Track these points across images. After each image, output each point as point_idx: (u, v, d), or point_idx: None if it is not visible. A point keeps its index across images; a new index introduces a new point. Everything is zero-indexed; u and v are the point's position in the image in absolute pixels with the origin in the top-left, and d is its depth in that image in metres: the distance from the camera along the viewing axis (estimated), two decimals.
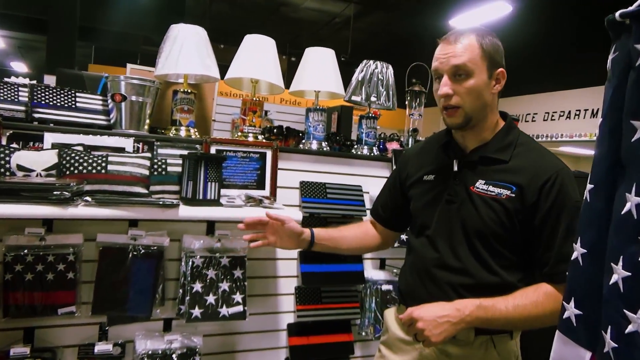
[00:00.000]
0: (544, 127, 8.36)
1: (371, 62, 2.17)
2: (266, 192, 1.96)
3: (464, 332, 1.22)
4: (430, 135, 1.59)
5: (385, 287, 2.16)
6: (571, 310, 0.79)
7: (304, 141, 2.16)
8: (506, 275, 1.24)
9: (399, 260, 2.32)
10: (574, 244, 0.77)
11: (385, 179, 2.21)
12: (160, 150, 1.80)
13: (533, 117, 8.54)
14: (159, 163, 1.73)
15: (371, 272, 2.21)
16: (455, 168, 1.32)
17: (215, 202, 1.69)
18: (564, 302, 0.81)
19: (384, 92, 2.16)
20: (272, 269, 2.05)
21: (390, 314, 1.52)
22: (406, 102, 2.36)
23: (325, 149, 2.13)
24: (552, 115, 8.38)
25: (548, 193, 1.20)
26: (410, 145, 2.37)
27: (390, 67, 2.20)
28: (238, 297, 1.81)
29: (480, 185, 1.26)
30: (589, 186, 0.80)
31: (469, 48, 1.22)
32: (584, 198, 0.80)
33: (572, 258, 0.77)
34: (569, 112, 8.23)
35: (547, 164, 1.24)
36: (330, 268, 2.12)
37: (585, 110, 7.93)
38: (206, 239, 1.81)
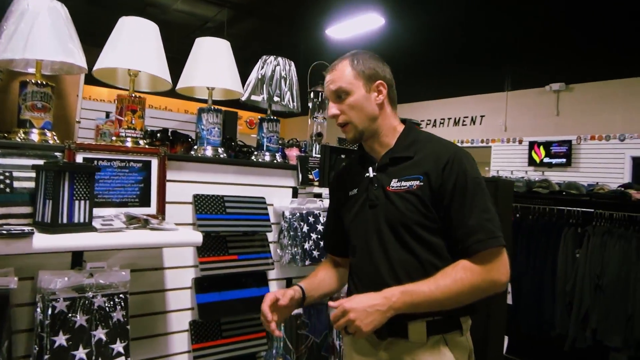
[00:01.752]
0: None
1: (272, 57, 1.92)
2: (152, 209, 1.59)
3: (416, 332, 1.28)
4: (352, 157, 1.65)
5: (296, 311, 1.91)
6: None
7: (195, 147, 1.83)
8: (439, 262, 1.28)
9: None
10: None
11: (291, 188, 1.99)
12: (2, 161, 1.34)
13: None
14: (1, 178, 1.28)
15: None
16: (371, 175, 1.40)
17: (87, 226, 1.29)
18: None
19: (288, 92, 1.92)
20: (160, 303, 1.69)
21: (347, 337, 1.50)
22: (309, 104, 2.15)
23: (222, 156, 1.82)
24: (419, 124, 8.96)
25: (449, 173, 1.28)
26: (313, 152, 2.16)
27: (292, 64, 1.97)
28: (119, 346, 1.42)
29: (394, 183, 1.34)
30: None
31: (342, 72, 1.37)
32: None
33: None
34: (435, 120, 8.86)
35: (444, 148, 1.34)
36: (231, 295, 1.82)
37: (449, 118, 8.60)
38: (73, 274, 1.39)
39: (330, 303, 1.25)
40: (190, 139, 1.96)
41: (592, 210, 3.41)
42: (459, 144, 8.32)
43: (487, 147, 8.03)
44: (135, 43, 1.57)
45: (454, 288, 1.22)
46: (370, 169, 1.40)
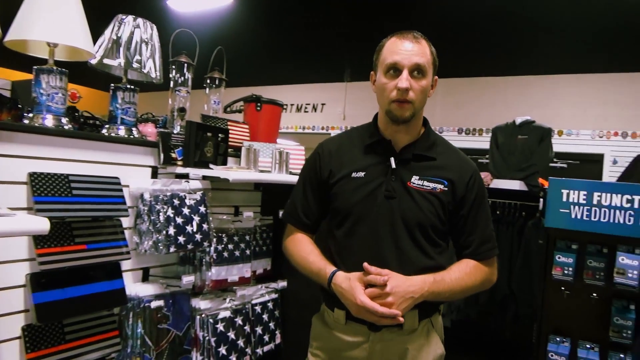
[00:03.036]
0: None
1: (130, 17, 1.67)
2: None
3: (410, 320, 1.34)
4: (344, 132, 1.58)
5: (155, 303, 1.73)
6: None
7: (31, 115, 1.49)
8: (441, 260, 1.38)
9: (167, 267, 1.93)
10: None
11: (150, 168, 1.82)
12: None
13: None
14: None
15: (134, 287, 1.73)
16: (393, 165, 1.38)
17: None
18: None
19: (150, 60, 1.69)
20: None
21: (319, 320, 1.49)
22: (170, 75, 1.94)
23: (67, 127, 1.52)
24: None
25: (472, 187, 1.39)
26: (174, 129, 1.96)
27: (155, 28, 1.74)
28: None
29: (415, 180, 1.36)
30: None
31: (426, 50, 1.34)
32: None
33: None
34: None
35: (467, 163, 1.44)
36: (77, 292, 1.56)
37: (292, 104, 8.78)
38: None
39: (367, 266, 1.26)
40: (20, 106, 1.61)
41: None
42: (301, 130, 8.60)
43: (327, 134, 8.43)
44: None
45: (468, 282, 1.36)
46: (392, 159, 1.39)
